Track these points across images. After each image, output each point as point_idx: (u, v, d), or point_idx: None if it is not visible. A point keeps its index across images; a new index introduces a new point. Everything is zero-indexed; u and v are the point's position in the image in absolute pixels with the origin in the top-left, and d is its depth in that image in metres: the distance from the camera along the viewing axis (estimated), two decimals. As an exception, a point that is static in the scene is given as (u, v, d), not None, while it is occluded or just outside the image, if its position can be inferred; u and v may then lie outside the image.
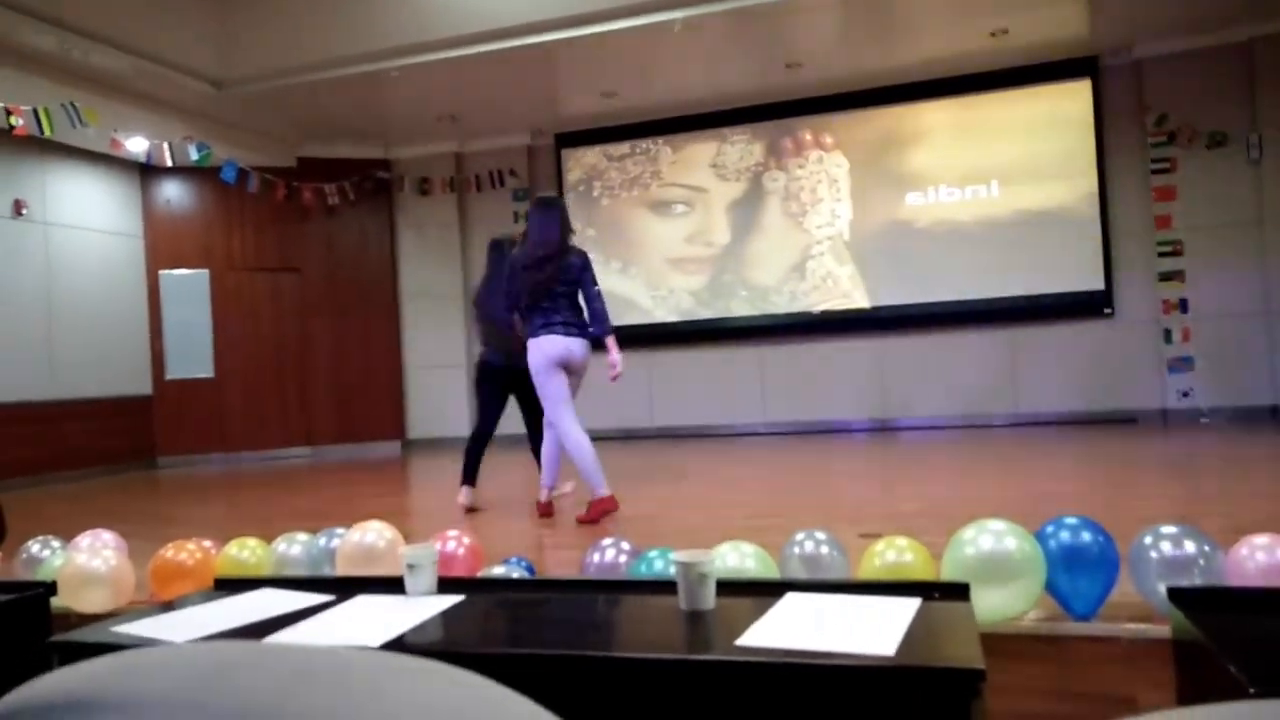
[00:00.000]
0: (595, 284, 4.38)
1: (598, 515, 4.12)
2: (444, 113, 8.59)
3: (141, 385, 8.88)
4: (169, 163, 7.89)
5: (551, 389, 4.27)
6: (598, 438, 4.92)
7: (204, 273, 9.19)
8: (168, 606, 1.63)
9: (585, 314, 4.39)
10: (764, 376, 8.73)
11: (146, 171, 8.91)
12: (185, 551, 2.77)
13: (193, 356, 9.12)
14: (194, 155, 7.67)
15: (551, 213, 4.47)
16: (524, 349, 4.36)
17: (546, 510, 4.41)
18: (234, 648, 0.44)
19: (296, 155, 9.23)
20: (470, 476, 4.84)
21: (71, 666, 0.44)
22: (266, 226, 9.31)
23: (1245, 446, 5.67)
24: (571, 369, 4.34)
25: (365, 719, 0.37)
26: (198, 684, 0.41)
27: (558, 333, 4.25)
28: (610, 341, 4.33)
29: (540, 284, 4.29)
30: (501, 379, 4.91)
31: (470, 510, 4.72)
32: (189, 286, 9.14)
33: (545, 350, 4.24)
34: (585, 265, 4.42)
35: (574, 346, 4.28)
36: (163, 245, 9.09)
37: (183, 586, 2.62)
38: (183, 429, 9.03)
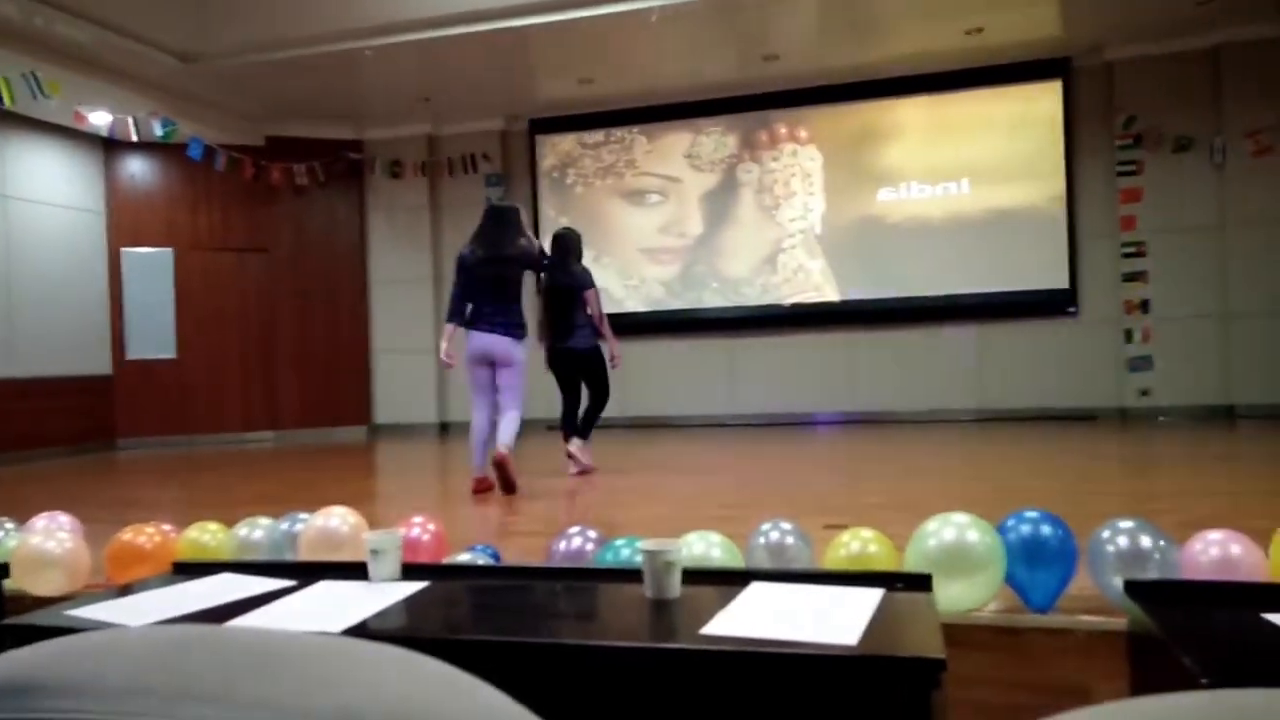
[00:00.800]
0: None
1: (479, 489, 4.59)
2: (417, 95, 8.49)
3: (101, 365, 8.71)
4: (134, 138, 7.74)
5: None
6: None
7: (168, 251, 9.01)
8: (124, 590, 1.60)
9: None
10: (734, 368, 8.76)
11: (110, 146, 8.72)
12: (144, 535, 2.72)
13: (155, 336, 8.96)
14: (159, 131, 7.52)
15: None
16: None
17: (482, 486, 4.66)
18: (183, 630, 0.43)
19: (265, 134, 9.08)
20: (570, 430, 5.29)
21: (13, 651, 0.43)
22: (233, 206, 9.15)
23: (1200, 445, 5.79)
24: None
25: (318, 704, 0.37)
26: (144, 668, 0.40)
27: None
28: None
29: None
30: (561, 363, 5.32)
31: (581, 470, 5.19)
32: (152, 265, 8.96)
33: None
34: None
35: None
36: (125, 222, 8.90)
37: (141, 570, 2.58)
38: (143, 410, 8.87)
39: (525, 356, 4.81)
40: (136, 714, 0.37)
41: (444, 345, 4.78)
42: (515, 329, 4.70)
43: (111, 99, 7.53)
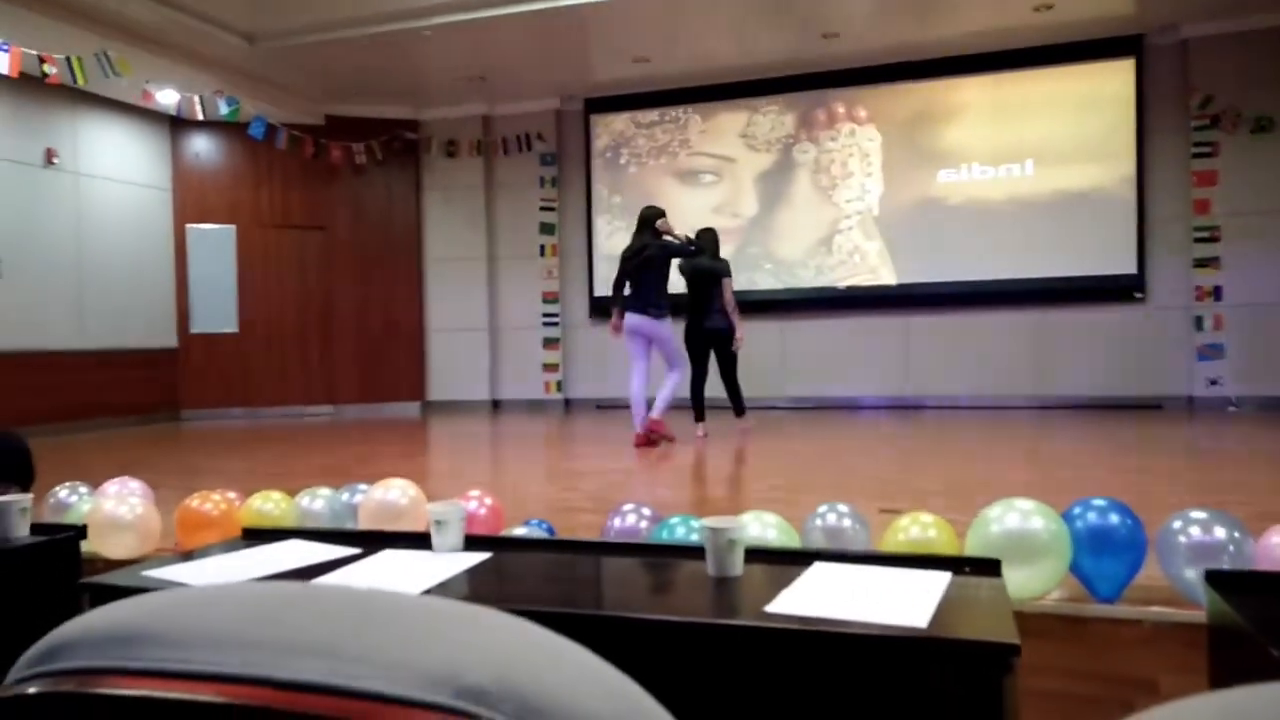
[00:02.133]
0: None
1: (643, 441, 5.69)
2: (473, 74, 8.52)
3: (167, 338, 8.97)
4: (199, 116, 7.90)
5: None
6: (619, 406, 5.33)
7: (230, 228, 9.23)
8: (194, 554, 1.64)
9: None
10: (786, 350, 8.68)
11: (176, 124, 8.93)
12: (210, 502, 2.81)
13: (217, 311, 9.19)
14: (224, 110, 7.67)
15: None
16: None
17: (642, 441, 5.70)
18: (287, 587, 0.44)
19: (325, 113, 9.21)
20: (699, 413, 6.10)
21: (118, 602, 0.43)
22: (293, 184, 9.32)
23: (1272, 437, 5.59)
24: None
25: (424, 661, 0.37)
26: (251, 621, 0.40)
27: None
28: None
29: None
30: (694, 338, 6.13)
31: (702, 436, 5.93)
32: (215, 241, 9.19)
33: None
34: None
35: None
36: (191, 199, 9.13)
37: (207, 536, 2.65)
38: (206, 383, 9.12)
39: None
40: (242, 665, 0.38)
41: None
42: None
43: (178, 78, 7.70)
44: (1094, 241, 7.81)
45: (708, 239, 6.17)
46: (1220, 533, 1.98)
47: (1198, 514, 2.04)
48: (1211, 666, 1.36)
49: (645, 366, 5.83)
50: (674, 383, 5.84)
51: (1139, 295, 7.76)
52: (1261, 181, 7.35)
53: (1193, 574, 1.92)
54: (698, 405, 6.09)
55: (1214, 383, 7.51)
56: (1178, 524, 2.03)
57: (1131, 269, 7.76)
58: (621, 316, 5.84)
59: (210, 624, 0.40)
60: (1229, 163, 7.42)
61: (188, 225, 9.11)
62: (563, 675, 0.37)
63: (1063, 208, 7.89)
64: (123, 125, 8.48)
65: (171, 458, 6.03)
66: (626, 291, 5.91)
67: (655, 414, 5.80)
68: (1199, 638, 1.70)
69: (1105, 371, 7.80)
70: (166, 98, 7.97)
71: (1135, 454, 5.02)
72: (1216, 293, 7.50)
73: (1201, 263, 7.55)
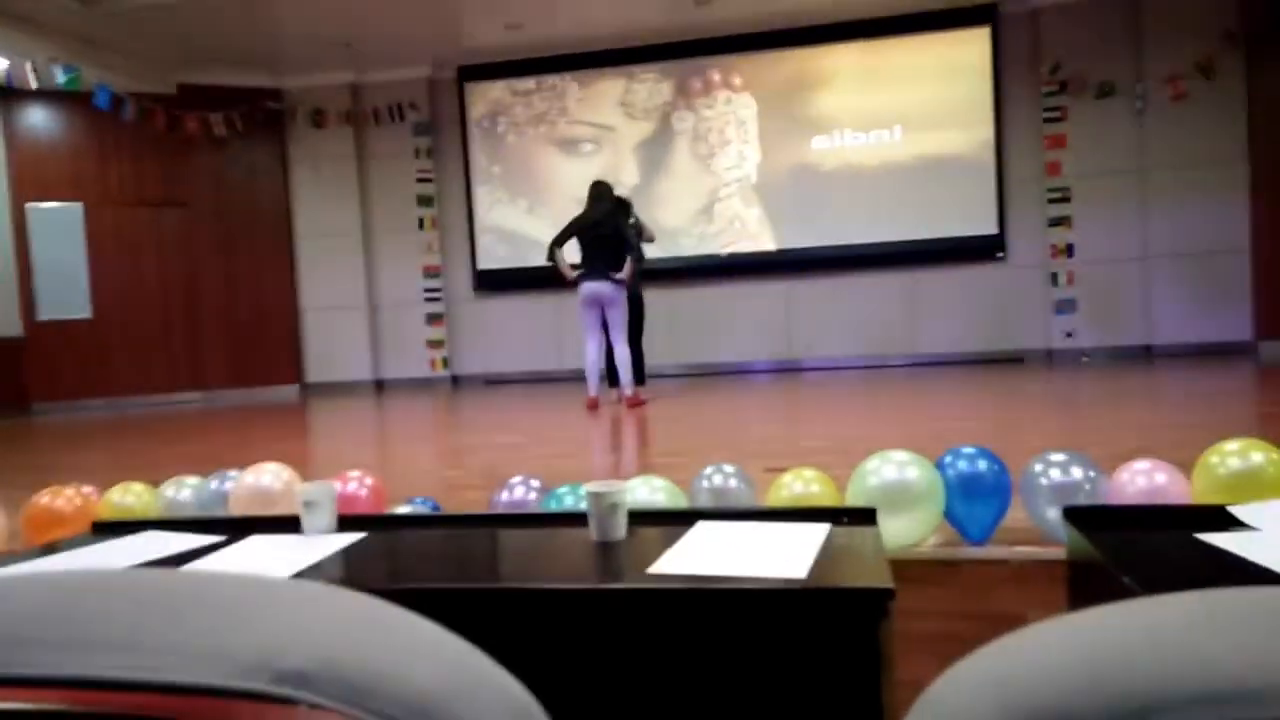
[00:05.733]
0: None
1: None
2: (338, 40, 8.14)
3: (10, 327, 8.29)
4: (33, 85, 7.28)
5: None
6: (508, 381, 5.14)
7: (77, 205, 8.57)
8: (37, 553, 1.51)
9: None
10: (672, 318, 8.75)
11: (8, 95, 8.19)
12: (63, 497, 2.60)
13: (67, 296, 8.55)
14: (61, 78, 7.09)
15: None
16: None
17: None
18: (78, 574, 0.39)
19: (177, 81, 8.64)
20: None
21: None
22: (146, 157, 8.72)
23: (1121, 383, 6.01)
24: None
25: (235, 645, 0.33)
26: (39, 617, 0.35)
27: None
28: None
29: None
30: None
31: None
32: (60, 220, 8.51)
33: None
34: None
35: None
36: (28, 176, 8.41)
37: (60, 534, 2.46)
38: (59, 373, 8.50)
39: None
40: (32, 665, 0.33)
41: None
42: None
43: (6, 45, 7.05)
44: (958, 204, 8.17)
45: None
46: (1077, 473, 2.09)
47: (1056, 456, 2.15)
48: (1070, 597, 1.44)
49: (599, 334, 6.09)
50: (624, 353, 6.12)
51: (1000, 255, 8.17)
52: (1106, 143, 7.83)
53: (1054, 513, 2.03)
54: (611, 372, 6.42)
55: (1069, 335, 8.01)
56: (1038, 467, 2.14)
57: (993, 230, 8.16)
58: (577, 283, 6.04)
59: None
60: (1076, 126, 7.87)
61: (27, 205, 8.41)
62: (394, 650, 0.33)
63: (929, 172, 8.21)
64: (-57, 95, 7.73)
65: (20, 454, 5.59)
66: (572, 256, 6.11)
67: (627, 390, 6.11)
68: (1061, 572, 1.80)
69: (972, 328, 8.20)
70: (-7, 65, 7.31)
71: (1000, 405, 5.30)
72: (1069, 250, 7.98)
73: (1055, 222, 8.01)
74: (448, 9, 7.57)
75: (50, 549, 1.56)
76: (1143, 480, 2.04)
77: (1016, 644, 0.33)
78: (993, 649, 0.33)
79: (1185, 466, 2.08)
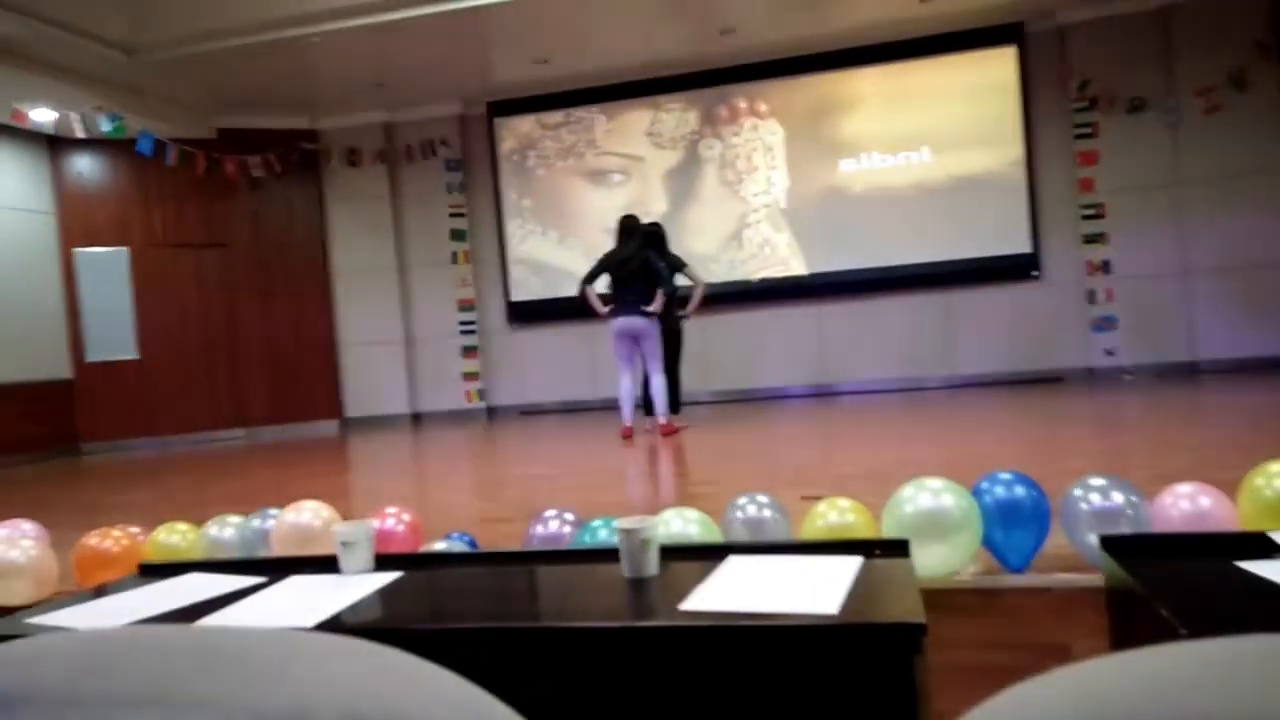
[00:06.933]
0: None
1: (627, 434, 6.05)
2: (370, 81, 8.34)
3: (60, 369, 8.52)
4: (79, 134, 7.53)
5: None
6: (543, 411, 5.13)
7: (123, 250, 8.82)
8: (88, 596, 1.55)
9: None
10: (704, 345, 8.75)
11: (55, 144, 8.49)
12: (110, 538, 2.66)
13: (114, 338, 8.77)
14: (106, 126, 7.33)
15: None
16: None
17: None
18: (118, 632, 0.40)
19: (215, 126, 8.89)
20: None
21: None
22: (188, 201, 8.96)
23: (1165, 402, 5.88)
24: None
25: (266, 701, 0.34)
26: (75, 672, 0.37)
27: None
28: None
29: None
30: None
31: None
32: (107, 265, 8.76)
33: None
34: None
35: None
36: (76, 222, 8.69)
37: (108, 575, 2.52)
38: (107, 413, 8.70)
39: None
40: None
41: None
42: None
43: (54, 95, 7.31)
44: (990, 224, 8.11)
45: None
46: (1118, 498, 2.06)
47: (1097, 481, 2.12)
48: (1111, 629, 1.41)
49: (633, 366, 6.16)
50: (660, 383, 6.16)
51: (1035, 273, 8.08)
52: (1139, 158, 7.74)
53: (1095, 539, 1.99)
54: (647, 402, 6.45)
55: (1109, 353, 7.88)
56: (1078, 491, 2.10)
57: (1026, 248, 8.08)
58: (613, 316, 6.10)
59: (32, 681, 0.36)
60: (1108, 142, 7.79)
61: (75, 249, 8.67)
62: (417, 702, 0.35)
63: (959, 192, 8.16)
64: (-4, 147, 8.02)
65: (70, 495, 5.72)
66: (603, 289, 6.16)
67: (662, 418, 6.11)
68: (1104, 600, 1.76)
69: (1009, 348, 8.10)
70: (41, 116, 7.57)
71: (1040, 426, 5.22)
72: (1105, 266, 7.87)
73: (1090, 239, 7.91)
74: (477, 46, 7.73)
75: (100, 592, 1.60)
76: (1186, 504, 2.00)
77: (1046, 684, 0.33)
78: (1028, 687, 0.34)
79: (1233, 487, 2.03)
